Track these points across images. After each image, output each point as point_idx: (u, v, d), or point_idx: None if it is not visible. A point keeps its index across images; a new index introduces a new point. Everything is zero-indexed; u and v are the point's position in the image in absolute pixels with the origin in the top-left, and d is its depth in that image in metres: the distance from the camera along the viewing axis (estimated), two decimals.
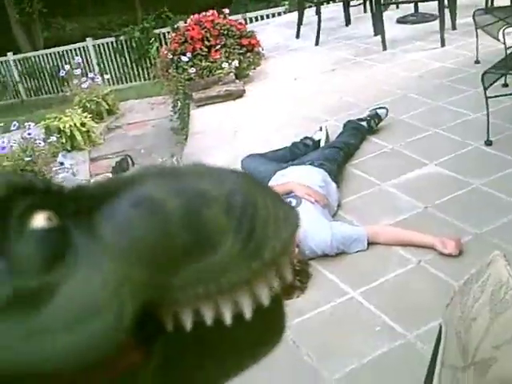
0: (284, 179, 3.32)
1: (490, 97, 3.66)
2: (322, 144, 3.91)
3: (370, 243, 2.91)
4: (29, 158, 5.33)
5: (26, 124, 5.62)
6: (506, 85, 4.31)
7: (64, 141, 6.56)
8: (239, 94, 5.38)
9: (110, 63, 12.10)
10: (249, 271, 0.43)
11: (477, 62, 4.91)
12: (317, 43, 6.43)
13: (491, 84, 3.75)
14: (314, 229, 2.90)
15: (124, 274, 0.39)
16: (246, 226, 0.43)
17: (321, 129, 4.03)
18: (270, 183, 3.39)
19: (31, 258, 0.38)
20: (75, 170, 6.24)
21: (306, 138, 4.00)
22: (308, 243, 2.88)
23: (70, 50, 12.02)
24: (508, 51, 4.14)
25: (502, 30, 4.42)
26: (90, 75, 8.02)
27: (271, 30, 7.50)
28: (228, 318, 0.44)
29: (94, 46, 12.08)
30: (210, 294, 0.42)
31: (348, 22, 6.97)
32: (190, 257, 0.41)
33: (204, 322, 0.44)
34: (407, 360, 2.24)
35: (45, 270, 0.38)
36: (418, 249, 2.84)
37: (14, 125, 5.74)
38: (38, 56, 12.56)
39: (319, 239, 2.88)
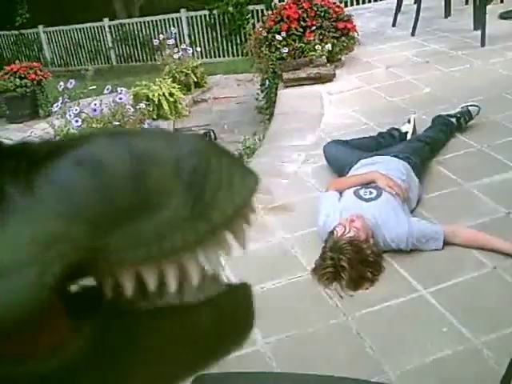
0: (367, 168, 3.29)
1: None
2: (409, 137, 3.84)
3: (446, 243, 2.86)
4: (117, 123, 5.50)
5: (118, 89, 5.79)
6: None
7: (151, 109, 6.72)
8: (329, 78, 5.34)
9: (201, 36, 12.24)
10: (195, 234, 0.41)
11: None
12: (413, 33, 6.28)
13: None
14: (392, 222, 2.87)
15: (57, 232, 0.38)
16: (194, 189, 0.41)
17: (409, 121, 3.96)
18: (352, 172, 3.37)
19: None
20: None
21: (393, 128, 3.94)
22: (383, 236, 2.86)
23: (164, 20, 12.23)
24: None
25: None
26: (183, 46, 8.16)
27: (367, 16, 7.38)
28: (172, 286, 0.42)
29: (187, 17, 12.24)
30: (151, 257, 0.40)
31: (448, 13, 6.77)
32: (132, 216, 0.40)
33: (147, 308, 0.42)
34: (471, 365, 2.20)
35: None
36: (495, 254, 2.77)
37: (108, 89, 5.92)
38: (133, 23, 12.84)
39: (395, 233, 2.85)
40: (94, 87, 6.31)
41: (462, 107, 4.02)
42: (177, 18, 12.22)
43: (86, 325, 0.42)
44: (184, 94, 7.38)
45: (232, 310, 0.47)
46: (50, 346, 0.40)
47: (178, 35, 9.88)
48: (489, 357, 2.20)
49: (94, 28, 12.99)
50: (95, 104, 5.50)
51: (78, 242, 0.38)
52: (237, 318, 0.47)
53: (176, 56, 7.72)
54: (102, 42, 13.00)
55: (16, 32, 13.56)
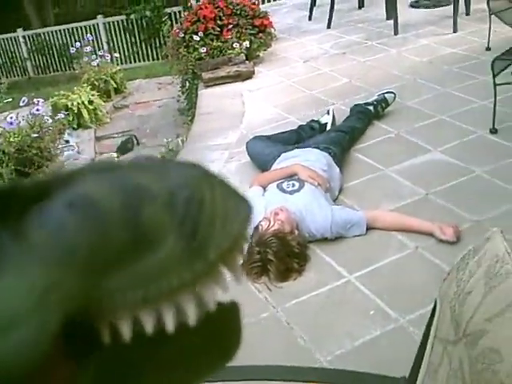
0: (288, 162, 3.31)
1: (499, 84, 3.61)
2: (329, 128, 3.90)
3: (369, 228, 2.91)
4: (36, 135, 5.34)
5: (34, 100, 5.62)
6: None
7: (71, 118, 6.57)
8: (248, 75, 5.36)
9: (119, 42, 12.05)
10: (192, 272, 0.40)
11: (488, 48, 4.86)
12: (329, 26, 6.38)
13: (501, 71, 3.70)
14: (315, 212, 2.90)
15: (53, 280, 0.36)
16: (189, 224, 0.40)
17: (328, 112, 4.01)
18: (274, 165, 3.39)
19: None
20: (80, 149, 6.26)
21: (313, 121, 3.99)
22: (308, 226, 2.88)
23: (80, 28, 11.98)
24: None
25: None
26: (100, 53, 8.02)
27: (284, 11, 7.44)
28: (170, 326, 0.40)
29: (104, 23, 12.04)
30: (149, 299, 0.39)
31: (361, 4, 6.91)
32: (127, 258, 0.38)
33: (144, 336, 0.40)
34: (398, 344, 2.25)
35: None
36: (417, 235, 2.84)
37: (23, 101, 5.73)
38: (48, 32, 12.51)
39: (319, 223, 2.88)
40: (10, 100, 6.12)
41: (378, 95, 4.11)
42: (94, 25, 11.99)
43: (88, 361, 0.40)
44: (104, 101, 7.25)
45: (223, 328, 0.46)
46: None
47: (95, 42, 9.71)
48: (415, 334, 2.24)
49: (7, 39, 12.59)
50: (11, 117, 5.32)
51: (75, 288, 0.36)
52: (228, 335, 0.46)
53: (94, 63, 7.58)
54: (17, 54, 12.61)
55: None
